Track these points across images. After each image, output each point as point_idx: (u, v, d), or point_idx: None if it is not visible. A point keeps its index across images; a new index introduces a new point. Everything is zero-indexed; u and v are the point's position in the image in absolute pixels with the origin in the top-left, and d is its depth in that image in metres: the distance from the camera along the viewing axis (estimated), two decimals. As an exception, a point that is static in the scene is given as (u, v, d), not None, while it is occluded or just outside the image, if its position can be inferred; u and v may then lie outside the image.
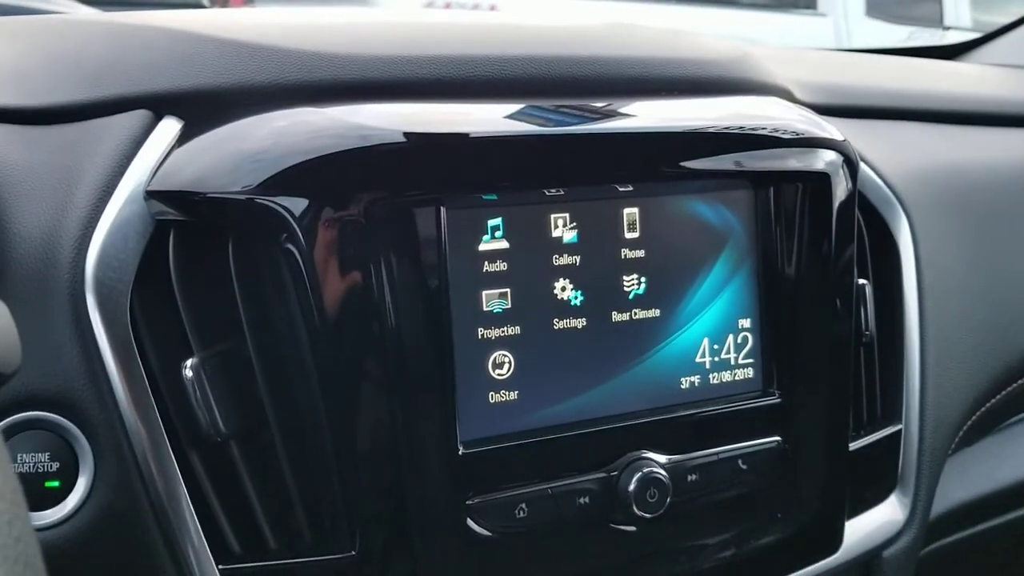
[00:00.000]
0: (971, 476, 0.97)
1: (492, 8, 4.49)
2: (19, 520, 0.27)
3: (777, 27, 5.15)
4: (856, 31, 5.20)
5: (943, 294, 0.89)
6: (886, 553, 0.83)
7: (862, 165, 0.80)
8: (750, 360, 0.74)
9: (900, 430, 0.85)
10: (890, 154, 0.91)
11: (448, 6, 4.57)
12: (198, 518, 0.60)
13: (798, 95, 0.86)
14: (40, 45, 0.72)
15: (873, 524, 0.82)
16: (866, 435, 0.83)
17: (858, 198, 0.77)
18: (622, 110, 0.71)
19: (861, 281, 0.81)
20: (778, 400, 0.73)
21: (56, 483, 0.58)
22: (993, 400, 0.94)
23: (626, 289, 0.69)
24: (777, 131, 0.73)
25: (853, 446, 0.80)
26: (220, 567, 0.60)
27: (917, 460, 0.85)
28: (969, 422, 0.92)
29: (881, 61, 1.23)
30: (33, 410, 0.58)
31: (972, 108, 1.07)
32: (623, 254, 0.69)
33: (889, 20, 5.23)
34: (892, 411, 0.85)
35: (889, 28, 5.13)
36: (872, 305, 0.82)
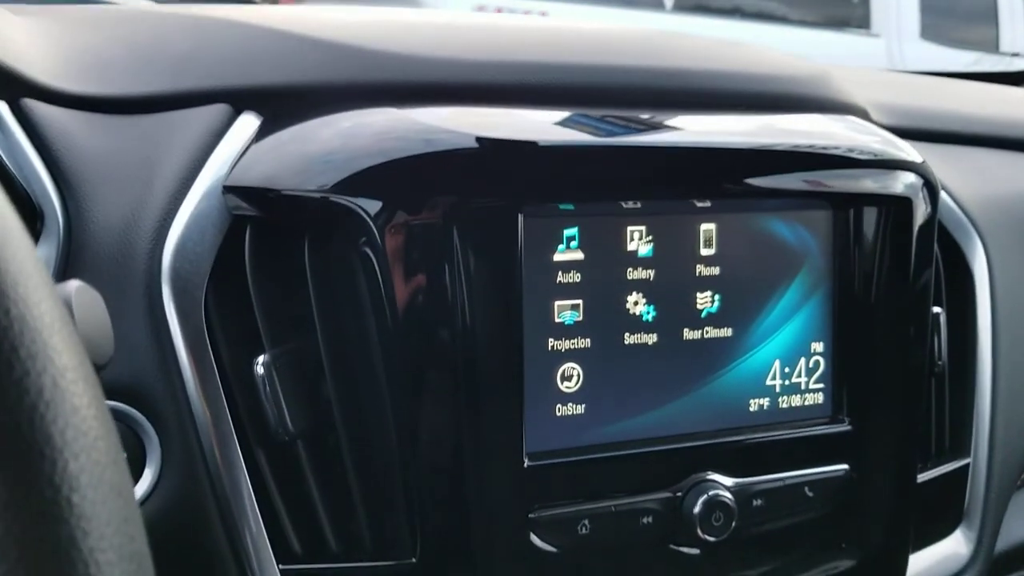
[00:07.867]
0: (1035, 514, 0.94)
1: (543, 15, 4.45)
2: (135, 519, 0.27)
3: (828, 46, 5.05)
4: (909, 53, 5.10)
5: (1016, 326, 0.86)
6: (948, 589, 0.81)
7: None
8: (821, 385, 0.72)
9: (968, 464, 0.82)
10: (966, 180, 0.89)
11: (499, 11, 4.54)
12: (261, 517, 0.60)
13: (874, 116, 0.84)
14: (122, 35, 0.72)
15: (937, 559, 0.80)
16: (933, 467, 0.81)
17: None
18: (701, 124, 0.70)
19: (936, 309, 0.79)
20: (848, 427, 0.72)
21: None
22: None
23: (699, 306, 0.68)
24: (856, 151, 0.72)
25: (920, 478, 0.78)
26: (281, 567, 0.60)
27: (984, 495, 0.82)
28: (1036, 459, 0.89)
29: (955, 85, 1.20)
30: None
31: None
32: (698, 270, 0.67)
33: (944, 44, 5.14)
34: (960, 444, 0.83)
35: (944, 52, 5.04)
36: (945, 334, 0.80)
